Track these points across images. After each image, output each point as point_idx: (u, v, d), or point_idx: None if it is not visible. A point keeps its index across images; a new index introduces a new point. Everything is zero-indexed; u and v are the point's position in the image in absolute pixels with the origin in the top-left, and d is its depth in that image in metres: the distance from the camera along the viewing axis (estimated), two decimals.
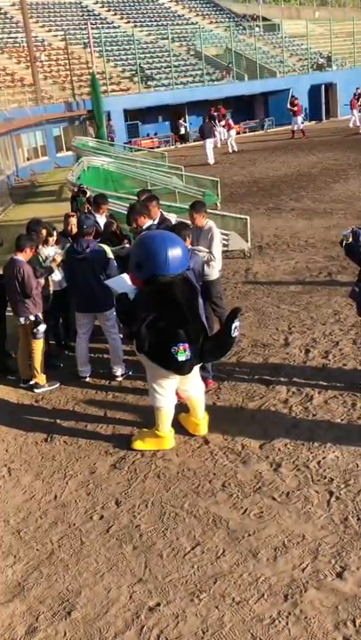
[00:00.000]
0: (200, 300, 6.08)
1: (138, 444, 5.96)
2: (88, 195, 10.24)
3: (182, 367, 5.57)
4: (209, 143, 25.40)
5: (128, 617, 4.05)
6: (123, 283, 5.92)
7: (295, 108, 30.09)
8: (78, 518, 5.05)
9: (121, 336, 7.50)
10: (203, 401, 6.07)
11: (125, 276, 5.98)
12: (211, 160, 24.92)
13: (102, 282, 6.91)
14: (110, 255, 7.14)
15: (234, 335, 5.63)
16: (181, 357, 5.47)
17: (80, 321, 7.37)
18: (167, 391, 5.75)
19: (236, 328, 5.59)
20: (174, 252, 5.45)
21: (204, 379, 6.08)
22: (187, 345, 5.47)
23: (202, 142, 26.15)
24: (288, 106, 30.86)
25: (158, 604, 4.11)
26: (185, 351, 5.47)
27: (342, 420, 6.06)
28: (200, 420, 6.08)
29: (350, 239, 6.48)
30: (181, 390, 5.93)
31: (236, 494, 5.12)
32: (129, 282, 5.82)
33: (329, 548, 4.45)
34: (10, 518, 5.15)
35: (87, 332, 7.40)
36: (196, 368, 5.83)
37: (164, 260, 5.40)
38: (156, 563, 4.48)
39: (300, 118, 30.48)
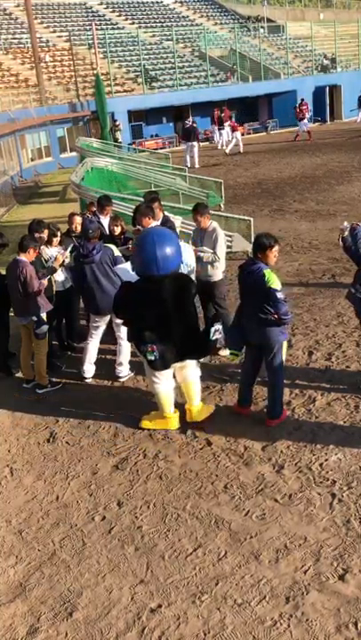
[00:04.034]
0: (194, 295, 6.19)
1: (145, 424, 6.27)
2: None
3: (153, 364, 5.92)
4: (191, 147, 25.31)
5: (129, 618, 4.04)
6: (126, 274, 6.30)
7: (304, 110, 30.14)
8: (80, 519, 5.05)
9: None
10: (197, 387, 6.29)
11: (128, 266, 6.41)
12: (188, 163, 24.67)
13: (115, 281, 6.97)
14: (118, 253, 7.15)
15: (213, 338, 5.93)
16: (150, 357, 5.84)
17: (96, 323, 7.35)
18: (163, 376, 6.05)
19: (216, 331, 5.87)
20: (164, 253, 5.64)
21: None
22: (155, 346, 5.78)
23: (184, 146, 26.09)
24: (297, 108, 30.81)
25: (160, 606, 4.11)
26: (153, 352, 5.81)
27: (345, 422, 6.05)
28: (193, 407, 6.29)
29: (346, 233, 6.51)
30: (177, 376, 6.21)
31: (238, 496, 5.12)
32: (132, 273, 6.19)
33: (331, 550, 4.44)
34: (12, 519, 5.15)
35: (99, 334, 7.38)
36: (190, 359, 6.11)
37: (153, 259, 5.63)
38: (157, 564, 4.48)
39: (306, 121, 30.48)
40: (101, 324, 7.36)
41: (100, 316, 7.31)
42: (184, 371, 6.16)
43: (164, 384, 6.10)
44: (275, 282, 5.72)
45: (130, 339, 6.29)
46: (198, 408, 6.31)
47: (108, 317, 7.31)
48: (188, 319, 5.93)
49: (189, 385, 6.24)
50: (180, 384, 6.27)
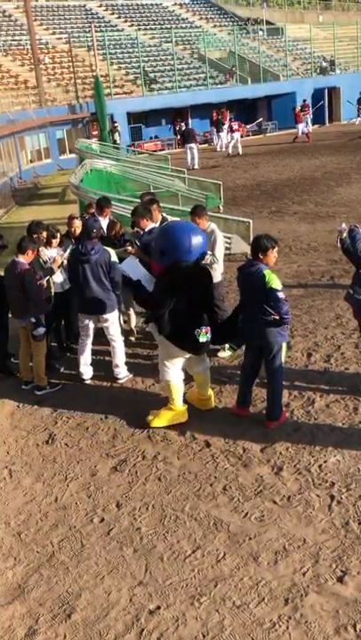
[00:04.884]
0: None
1: (155, 422, 6.29)
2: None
3: (201, 347, 6.08)
4: (190, 148, 25.44)
5: (128, 620, 4.04)
6: (135, 267, 6.42)
7: (305, 112, 30.22)
8: (79, 521, 5.05)
9: (123, 338, 7.53)
10: (208, 378, 6.52)
11: (136, 261, 6.53)
12: (189, 164, 24.78)
13: (105, 284, 7.05)
14: (115, 258, 7.15)
15: (202, 340, 6.00)
16: (203, 339, 5.98)
17: (83, 322, 7.37)
18: (176, 367, 6.20)
19: (198, 334, 5.94)
20: (196, 240, 5.92)
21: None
22: (208, 328, 5.96)
23: (183, 147, 26.41)
24: (297, 109, 30.88)
25: (158, 607, 4.11)
26: (207, 334, 5.98)
27: (344, 423, 6.06)
28: (207, 396, 6.53)
29: (344, 234, 6.52)
30: (189, 367, 6.34)
31: (237, 498, 5.11)
32: (140, 267, 6.34)
33: (330, 552, 4.44)
34: (10, 520, 5.15)
35: (90, 334, 7.40)
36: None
37: (188, 246, 5.85)
38: (156, 566, 4.47)
39: (307, 122, 30.53)
40: (89, 325, 7.36)
41: (87, 317, 7.33)
42: (198, 364, 6.33)
43: (176, 373, 6.21)
44: (275, 282, 5.75)
45: (163, 330, 6.08)
46: (212, 397, 6.57)
47: (95, 318, 7.32)
48: (212, 305, 6.26)
49: (204, 378, 6.46)
50: (196, 376, 6.44)
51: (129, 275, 6.52)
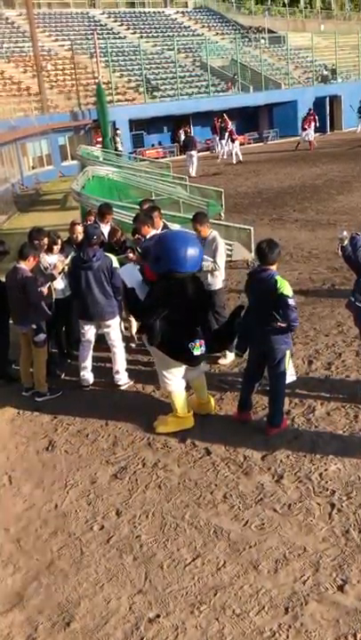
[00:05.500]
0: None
1: (161, 429, 6.29)
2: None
3: (195, 360, 6.06)
4: (190, 156, 25.54)
5: (127, 628, 4.02)
6: (133, 273, 6.38)
7: (311, 119, 30.33)
8: (78, 528, 5.03)
9: (124, 344, 7.52)
10: (204, 382, 6.56)
11: (135, 267, 6.50)
12: (192, 172, 24.93)
13: (107, 290, 7.06)
14: (116, 264, 7.16)
15: (196, 354, 5.99)
16: (197, 352, 5.95)
17: (83, 329, 7.37)
18: (175, 376, 6.21)
19: (193, 348, 5.94)
20: (192, 252, 5.86)
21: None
22: (202, 341, 5.93)
23: (185, 155, 26.58)
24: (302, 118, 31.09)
25: (158, 616, 4.09)
26: (200, 347, 5.95)
27: (344, 431, 6.04)
28: (206, 399, 6.57)
29: (346, 242, 6.53)
30: (184, 374, 6.32)
31: (237, 506, 5.10)
32: (137, 274, 6.30)
33: (330, 560, 4.42)
34: (10, 527, 5.13)
35: (90, 341, 7.40)
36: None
37: (183, 257, 5.80)
38: (156, 574, 4.46)
39: (311, 130, 30.62)
40: (90, 331, 7.37)
41: (88, 323, 7.33)
42: (193, 371, 6.32)
43: (177, 382, 6.23)
44: (286, 288, 5.75)
45: (153, 340, 6.07)
46: (211, 400, 6.60)
47: (95, 324, 7.34)
48: (207, 317, 6.30)
49: (200, 383, 6.49)
50: (191, 381, 6.45)
51: (125, 280, 6.50)
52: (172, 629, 3.98)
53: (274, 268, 5.92)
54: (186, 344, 5.90)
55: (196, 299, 6.00)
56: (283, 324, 5.79)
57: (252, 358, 6.30)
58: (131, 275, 6.43)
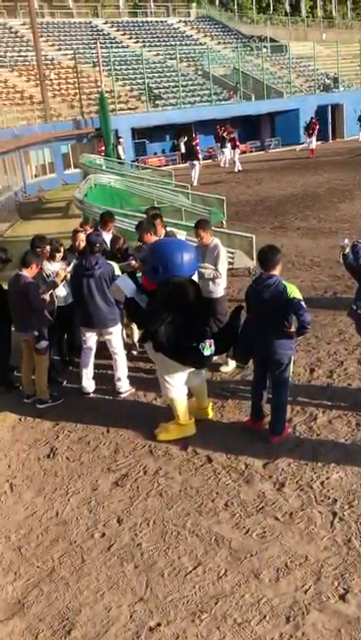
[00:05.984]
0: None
1: (162, 436, 6.29)
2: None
3: (205, 361, 6.03)
4: (193, 165, 25.62)
5: (128, 637, 4.01)
6: (128, 283, 6.38)
7: (314, 127, 30.47)
8: (79, 536, 5.02)
9: (126, 351, 7.52)
10: (205, 388, 6.59)
11: (127, 277, 6.50)
12: (195, 181, 24.99)
13: (109, 298, 7.08)
14: (118, 272, 7.18)
15: (206, 354, 5.95)
16: (207, 352, 5.89)
17: (85, 336, 7.38)
18: (177, 383, 6.20)
19: (203, 348, 5.89)
20: (188, 256, 5.96)
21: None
22: (212, 341, 5.90)
23: (188, 164, 26.69)
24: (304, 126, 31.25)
25: (159, 624, 4.07)
26: (210, 347, 5.90)
27: (346, 440, 6.03)
28: (206, 405, 6.60)
29: (347, 250, 6.54)
30: (187, 381, 6.30)
31: (238, 514, 5.09)
32: (132, 283, 6.32)
33: (332, 569, 4.40)
34: (11, 534, 5.12)
35: (92, 348, 7.40)
36: None
37: (180, 262, 5.87)
38: (157, 582, 4.44)
39: (314, 138, 30.74)
40: (91, 338, 7.38)
41: (90, 330, 7.34)
42: (197, 374, 6.35)
43: (179, 389, 6.23)
44: (296, 292, 5.76)
45: (159, 346, 6.01)
46: (210, 405, 6.67)
47: (97, 331, 7.35)
48: (208, 319, 6.32)
49: (201, 389, 6.51)
50: (193, 388, 6.46)
51: (124, 292, 6.42)
52: (172, 638, 3.96)
53: (278, 274, 5.93)
54: (195, 345, 5.88)
55: (196, 301, 6.03)
56: (292, 330, 5.79)
57: (257, 369, 6.31)
58: (126, 285, 6.41)
